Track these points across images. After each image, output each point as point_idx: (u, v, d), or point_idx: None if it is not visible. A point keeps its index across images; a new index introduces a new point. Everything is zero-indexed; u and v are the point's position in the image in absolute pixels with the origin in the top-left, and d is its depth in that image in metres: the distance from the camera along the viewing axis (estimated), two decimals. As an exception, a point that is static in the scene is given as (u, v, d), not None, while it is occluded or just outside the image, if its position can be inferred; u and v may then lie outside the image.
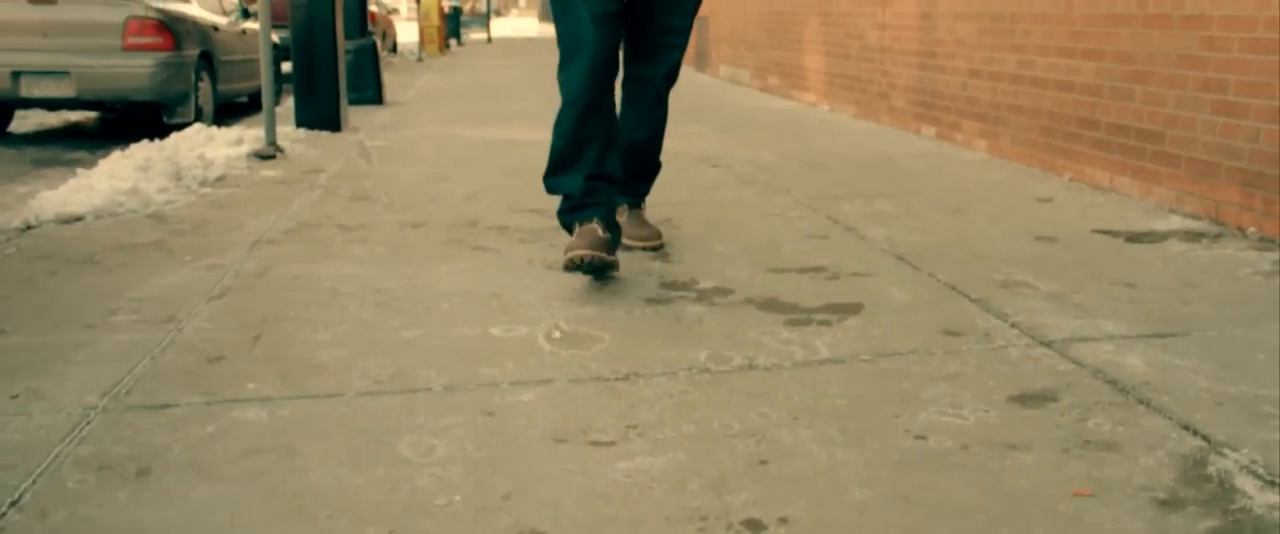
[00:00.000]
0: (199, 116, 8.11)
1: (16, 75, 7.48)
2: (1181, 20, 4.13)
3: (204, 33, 8.35)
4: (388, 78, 13.22)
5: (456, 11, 28.31)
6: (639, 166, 3.45)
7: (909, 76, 6.68)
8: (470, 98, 10.13)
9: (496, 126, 7.29)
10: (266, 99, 5.96)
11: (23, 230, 4.04)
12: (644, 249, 3.40)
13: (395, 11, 21.60)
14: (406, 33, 27.03)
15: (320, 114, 7.07)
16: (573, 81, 3.00)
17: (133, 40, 7.55)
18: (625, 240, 3.36)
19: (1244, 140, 3.82)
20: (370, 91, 8.98)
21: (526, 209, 4.16)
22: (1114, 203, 4.31)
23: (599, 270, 2.91)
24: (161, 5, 7.89)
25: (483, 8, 31.57)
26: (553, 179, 3.14)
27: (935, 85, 6.30)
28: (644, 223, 3.48)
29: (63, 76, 7.51)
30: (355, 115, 8.06)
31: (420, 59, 18.91)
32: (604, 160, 3.08)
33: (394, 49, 21.37)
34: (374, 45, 9.09)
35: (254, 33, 9.46)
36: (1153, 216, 4.02)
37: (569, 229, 3.10)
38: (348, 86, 8.22)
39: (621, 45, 3.25)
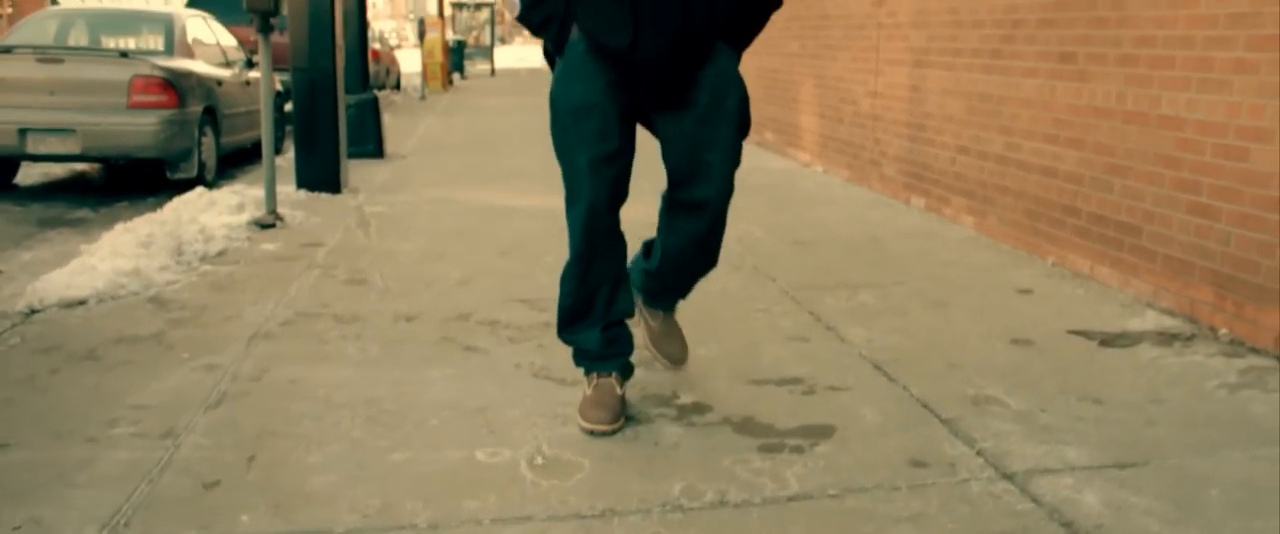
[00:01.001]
0: (202, 171, 8.25)
1: (23, 132, 7.62)
2: (1158, 119, 4.25)
3: (208, 88, 8.50)
4: (389, 119, 13.37)
5: (460, 45, 28.57)
6: (690, 281, 3.16)
7: (899, 146, 6.80)
8: (469, 149, 10.26)
9: (495, 189, 7.41)
10: (267, 166, 6.08)
11: (27, 315, 4.15)
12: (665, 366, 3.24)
13: (399, 46, 21.77)
14: (410, 61, 27.13)
15: (320, 174, 7.19)
16: (573, 230, 2.86)
17: (138, 98, 7.69)
18: (651, 351, 3.23)
19: (1217, 242, 3.93)
20: (371, 145, 9.11)
21: (517, 299, 4.27)
22: (1093, 294, 4.41)
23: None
24: (167, 63, 8.03)
25: (486, 40, 31.74)
26: (567, 334, 3.01)
27: (925, 157, 6.42)
28: (676, 334, 3.25)
29: (68, 134, 7.64)
30: (356, 170, 8.18)
31: (423, 97, 19.09)
32: (615, 302, 2.94)
33: (398, 85, 21.55)
34: (375, 100, 9.22)
35: (258, 82, 9.61)
36: (1129, 313, 4.12)
37: (584, 368, 3.01)
38: (349, 140, 8.35)
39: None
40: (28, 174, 8.81)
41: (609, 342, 2.94)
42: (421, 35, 20.39)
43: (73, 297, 4.32)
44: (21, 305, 4.25)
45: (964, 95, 5.89)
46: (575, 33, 2.77)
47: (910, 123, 6.63)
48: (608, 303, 2.93)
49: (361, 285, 4.55)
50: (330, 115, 7.15)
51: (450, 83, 22.88)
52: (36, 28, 8.80)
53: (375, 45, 18.44)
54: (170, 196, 7.85)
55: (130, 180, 8.75)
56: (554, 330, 3.65)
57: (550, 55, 2.91)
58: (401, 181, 7.83)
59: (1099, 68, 4.63)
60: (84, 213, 7.37)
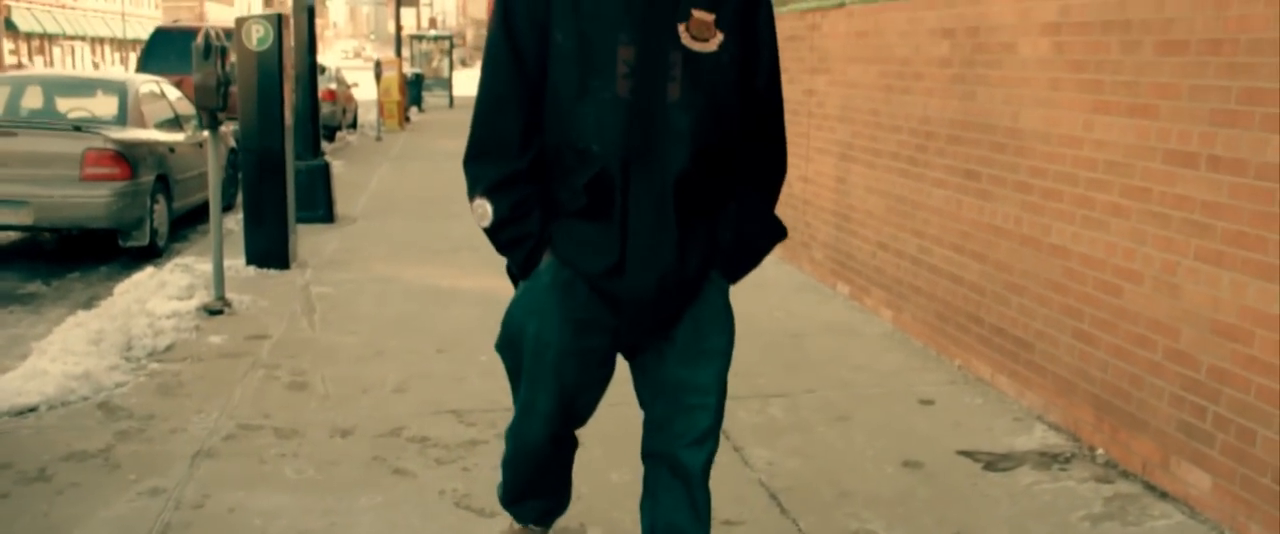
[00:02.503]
0: (154, 237, 8.43)
1: (-24, 204, 7.77)
2: (1048, 247, 4.59)
3: (160, 156, 8.69)
4: (342, 167, 13.58)
5: (418, 77, 28.78)
6: None
7: (827, 233, 7.13)
8: (419, 209, 10.49)
9: (440, 265, 7.65)
10: (216, 250, 6.28)
11: (-22, 423, 4.36)
12: None
13: (355, 85, 21.98)
14: (368, 87, 27.09)
15: (269, 248, 7.38)
16: (522, 437, 2.70)
17: (90, 171, 7.88)
18: None
19: (1096, 368, 4.26)
20: (322, 210, 9.33)
21: (449, 410, 4.52)
22: (991, 405, 4.74)
23: None
24: (119, 134, 8.23)
25: (445, 71, 31.96)
26: (513, 508, 2.98)
27: (849, 247, 6.75)
28: None
29: (21, 205, 7.82)
30: (306, 237, 8.38)
31: (379, 138, 19.29)
32: (564, 484, 2.95)
33: (355, 123, 21.72)
34: (326, 166, 9.44)
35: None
36: (1019, 427, 4.45)
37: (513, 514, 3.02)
38: (301, 205, 8.57)
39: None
40: (-20, 237, 8.94)
41: (547, 510, 2.98)
42: (377, 75, 20.59)
43: (24, 404, 4.53)
44: (-27, 412, 4.45)
45: (883, 194, 6.22)
46: (547, 259, 2.50)
47: (836, 212, 6.96)
48: (556, 484, 2.92)
49: (302, 391, 4.78)
50: (278, 192, 7.36)
51: (407, 120, 23.08)
52: (-10, 95, 8.96)
53: (331, 86, 18.62)
54: (122, 267, 8.06)
55: (83, 247, 8.91)
56: (479, 448, 3.89)
57: (514, 276, 2.66)
58: (349, 254, 8.05)
59: (999, 189, 4.97)
60: (36, 286, 7.54)
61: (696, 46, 2.42)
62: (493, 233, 2.50)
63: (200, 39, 5.82)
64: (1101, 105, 4.22)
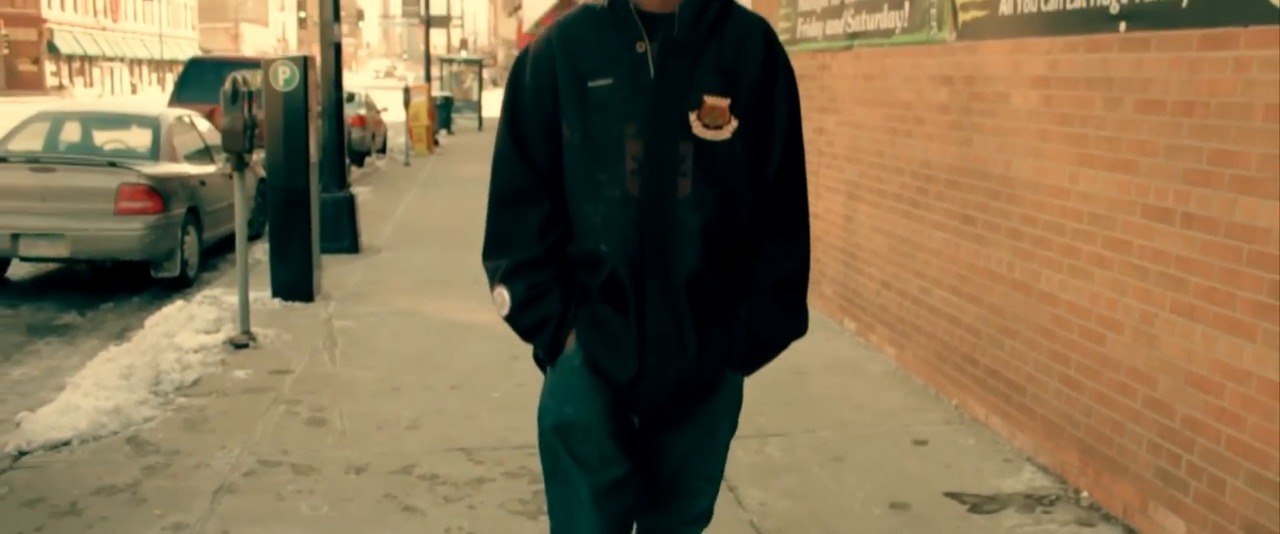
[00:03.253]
0: (184, 268, 8.71)
1: (16, 236, 8.10)
2: (1038, 293, 4.74)
3: (191, 189, 8.98)
4: (368, 194, 13.88)
5: (448, 101, 29.16)
6: None
7: (836, 269, 7.30)
8: (442, 239, 10.74)
9: (458, 297, 7.87)
10: (241, 287, 6.52)
11: (16, 457, 4.59)
12: None
13: (385, 110, 22.34)
14: (398, 110, 27.42)
15: (293, 281, 7.62)
16: None
17: (124, 205, 8.17)
18: None
19: (1081, 413, 4.41)
20: (346, 241, 9.58)
21: (459, 447, 4.73)
22: (983, 445, 4.88)
23: None
24: (152, 169, 8.52)
25: (474, 94, 32.34)
26: None
27: (856, 284, 6.91)
28: None
29: (58, 238, 8.11)
30: (331, 267, 8.63)
31: (407, 163, 19.61)
32: None
33: (384, 148, 22.07)
34: (351, 198, 9.70)
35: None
36: (1008, 468, 4.60)
37: None
38: (326, 236, 8.82)
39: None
40: (18, 268, 9.23)
41: None
42: (407, 102, 20.93)
43: (58, 438, 4.77)
44: (11, 447, 4.69)
45: (887, 234, 6.39)
46: (572, 343, 2.38)
47: (844, 249, 7.13)
48: None
49: (320, 426, 5.00)
50: (303, 227, 7.60)
51: (436, 143, 23.42)
52: (30, 131, 9.27)
53: (360, 112, 18.97)
54: (154, 297, 8.34)
55: (116, 277, 9.19)
56: (485, 486, 4.07)
57: (540, 362, 2.53)
58: (372, 286, 8.29)
59: (993, 235, 5.13)
60: (71, 317, 7.82)
61: (709, 135, 2.27)
62: (513, 319, 2.39)
63: (227, 85, 6.08)
64: (1086, 158, 4.38)
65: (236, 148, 6.14)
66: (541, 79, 2.34)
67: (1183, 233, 3.81)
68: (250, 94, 6.18)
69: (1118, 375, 4.16)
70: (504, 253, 2.39)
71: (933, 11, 5.69)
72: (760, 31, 2.38)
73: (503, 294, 2.38)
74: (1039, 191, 4.74)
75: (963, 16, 5.37)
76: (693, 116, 2.27)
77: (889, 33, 6.31)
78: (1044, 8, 4.64)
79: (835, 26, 7.18)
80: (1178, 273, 3.84)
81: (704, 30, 2.32)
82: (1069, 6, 4.46)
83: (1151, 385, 3.98)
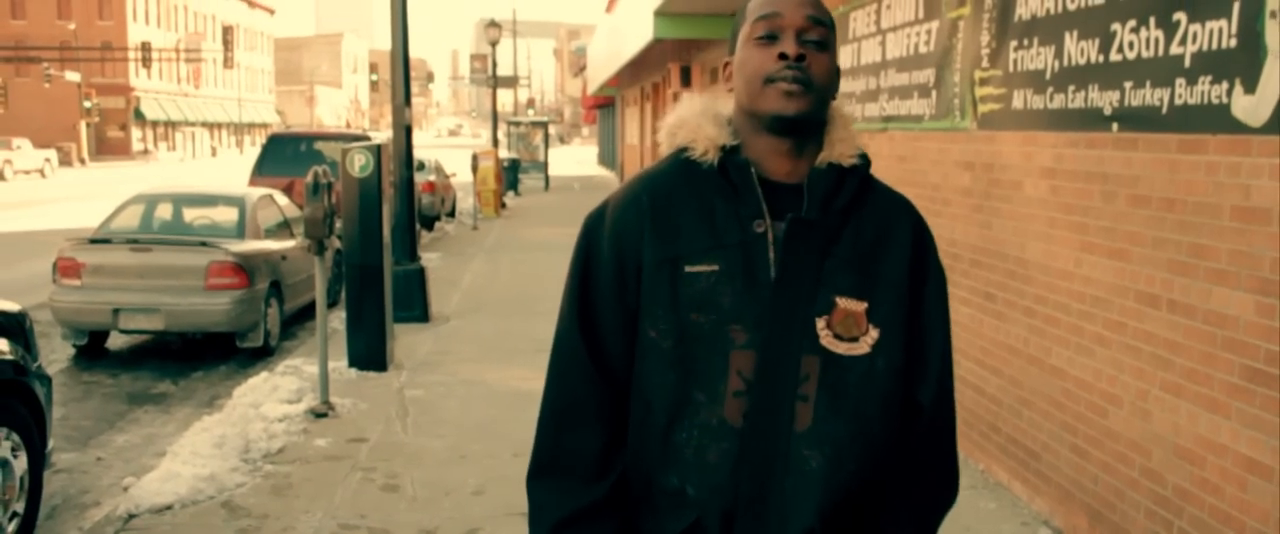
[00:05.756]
0: (267, 339, 9.35)
1: (117, 311, 8.78)
2: (1049, 368, 5.12)
3: (273, 264, 9.64)
4: (438, 261, 14.52)
5: (515, 163, 29.98)
6: None
7: (875, 338, 7.68)
8: (508, 307, 11.29)
9: (523, 366, 8.38)
10: (321, 361, 7.10)
11: (126, 520, 5.16)
12: None
13: (453, 175, 23.14)
14: (467, 170, 28.09)
15: (369, 353, 8.20)
16: None
17: (213, 281, 8.84)
18: None
19: (1089, 481, 4.77)
20: (418, 310, 10.17)
21: (520, 513, 5.20)
22: (1003, 508, 5.24)
23: None
24: (238, 247, 9.19)
25: (541, 156, 33.20)
26: None
27: (894, 352, 7.29)
28: None
29: (154, 313, 8.79)
30: (403, 336, 9.20)
31: (475, 226, 20.31)
32: None
33: (453, 213, 22.84)
34: (422, 271, 10.30)
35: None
36: (1025, 532, 4.95)
37: None
38: (398, 305, 9.42)
39: None
40: (116, 339, 9.95)
41: None
42: (474, 167, 21.70)
43: (161, 503, 5.33)
44: (122, 510, 5.26)
45: (920, 307, 6.78)
46: None
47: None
48: None
49: (394, 492, 5.51)
50: (377, 302, 8.19)
51: (503, 206, 24.17)
52: (129, 212, 10.02)
53: (431, 178, 19.73)
54: (240, 365, 8.97)
55: (205, 347, 9.87)
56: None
57: None
58: (441, 355, 8.84)
59: (1011, 312, 5.52)
60: (165, 386, 8.46)
61: (841, 349, 1.77)
62: None
63: (309, 177, 6.69)
64: (1087, 245, 4.78)
65: (318, 235, 6.73)
66: (625, 253, 1.82)
67: (1168, 317, 4.19)
68: (330, 185, 6.78)
69: (1118, 446, 4.53)
70: (555, 483, 1.88)
71: (956, 101, 6.13)
72: (907, 215, 1.91)
73: None
74: (1049, 273, 5.13)
75: (981, 108, 5.80)
76: (821, 324, 1.77)
77: (919, 118, 6.75)
78: (1049, 105, 5.06)
79: (872, 109, 7.64)
80: (1166, 354, 4.22)
81: (838, 212, 1.82)
82: (1070, 106, 4.87)
83: (1147, 456, 4.34)
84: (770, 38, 1.80)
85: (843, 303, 1.78)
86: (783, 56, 1.77)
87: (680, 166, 1.85)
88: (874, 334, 1.79)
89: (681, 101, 1.91)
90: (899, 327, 1.82)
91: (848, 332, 1.78)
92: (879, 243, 1.84)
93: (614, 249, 1.84)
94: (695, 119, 1.87)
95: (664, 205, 1.82)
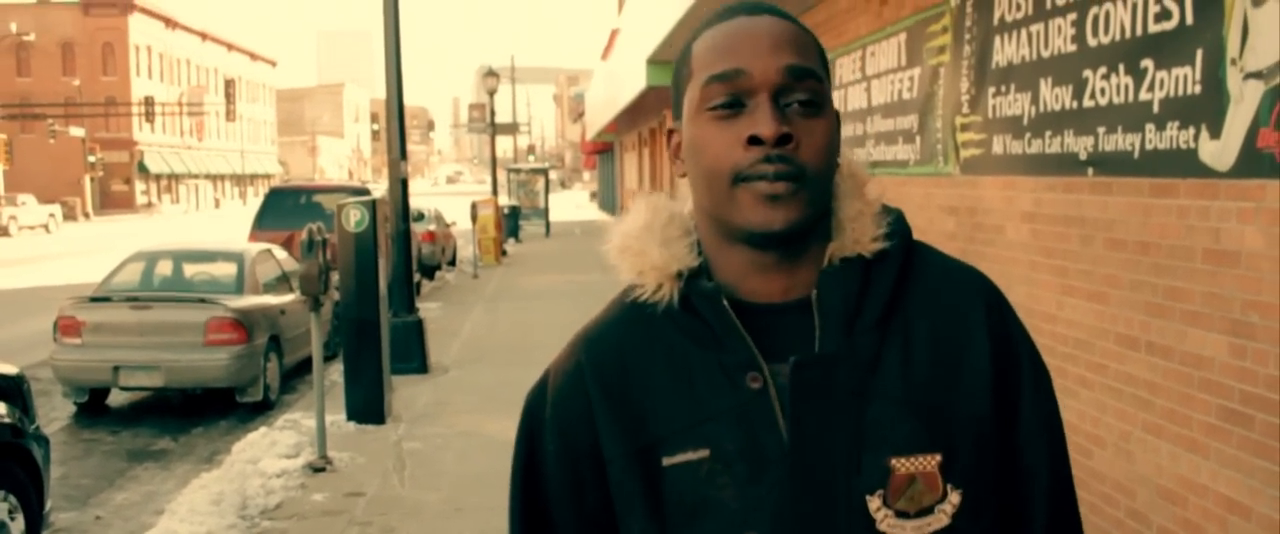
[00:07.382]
0: (267, 393, 9.40)
1: (117, 369, 8.85)
2: (1036, 409, 5.16)
3: (272, 319, 9.72)
4: (437, 311, 14.59)
5: (515, 210, 30.14)
6: None
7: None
8: (506, 358, 11.34)
9: (518, 417, 8.42)
10: (319, 416, 7.15)
11: (122, 580, 5.21)
12: None
13: (453, 224, 23.26)
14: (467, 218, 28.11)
15: (366, 406, 8.24)
16: None
17: (212, 337, 8.91)
18: None
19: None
20: (416, 362, 10.22)
21: (513, 564, 5.23)
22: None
23: None
24: (237, 303, 9.27)
25: (541, 202, 33.37)
26: None
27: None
28: None
29: (154, 369, 8.86)
30: (401, 388, 9.25)
31: (475, 275, 20.39)
32: None
33: (453, 261, 22.94)
34: (420, 322, 10.37)
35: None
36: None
37: None
38: (396, 357, 9.47)
39: None
40: (116, 395, 10.01)
41: None
42: (474, 216, 21.83)
43: (159, 563, 5.37)
44: (118, 571, 5.30)
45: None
46: None
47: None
48: None
49: (389, 547, 5.55)
50: (374, 355, 8.25)
51: (504, 254, 24.27)
52: (128, 270, 10.11)
53: (431, 227, 19.84)
54: (239, 420, 9.03)
55: (204, 401, 9.92)
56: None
57: None
58: (439, 407, 8.89)
59: (998, 354, 5.56)
60: (165, 442, 8.51)
61: (910, 531, 1.22)
62: None
63: (304, 235, 6.78)
64: (1068, 288, 4.84)
65: (313, 291, 6.81)
66: (577, 447, 1.33)
67: (1147, 359, 4.25)
68: (324, 242, 6.87)
69: (1104, 487, 4.57)
70: None
71: (939, 147, 6.22)
72: (978, 296, 1.34)
73: None
74: (1033, 317, 5.19)
75: (964, 153, 5.89)
76: (874, 503, 1.21)
77: (904, 163, 6.84)
78: (1027, 150, 5.14)
79: (860, 154, 7.73)
80: (1146, 395, 4.27)
81: (872, 329, 1.26)
82: (1047, 151, 4.96)
83: (1131, 497, 4.38)
84: (733, 106, 1.22)
85: (902, 464, 1.21)
86: (755, 141, 1.19)
87: (630, 314, 1.32)
88: (955, 498, 1.22)
89: (631, 208, 1.34)
90: (990, 475, 1.25)
91: (916, 504, 1.21)
92: (943, 354, 1.26)
93: (559, 441, 1.34)
94: (638, 241, 1.30)
95: (615, 378, 1.29)
